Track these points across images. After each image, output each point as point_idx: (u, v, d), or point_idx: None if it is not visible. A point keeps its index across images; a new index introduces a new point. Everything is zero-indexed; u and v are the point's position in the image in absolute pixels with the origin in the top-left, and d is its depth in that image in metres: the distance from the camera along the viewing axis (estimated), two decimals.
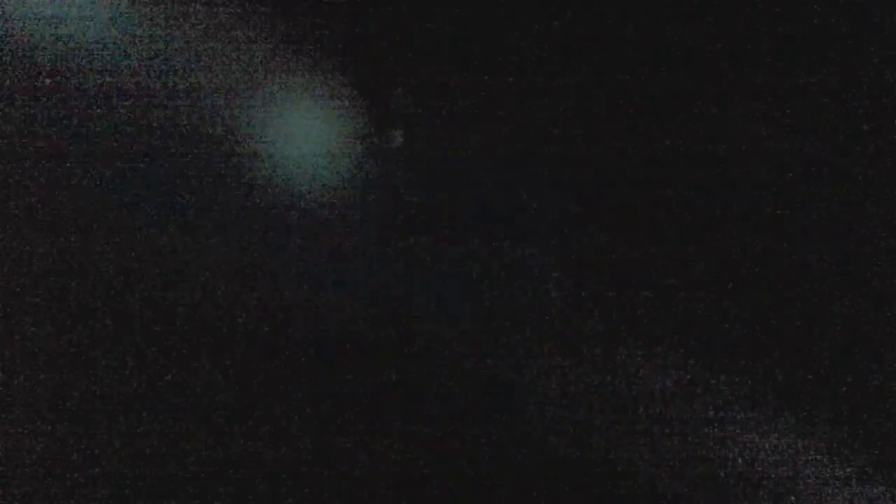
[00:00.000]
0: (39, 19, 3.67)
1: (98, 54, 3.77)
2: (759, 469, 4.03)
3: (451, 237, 4.32)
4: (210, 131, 3.98)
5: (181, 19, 3.83)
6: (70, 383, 3.78)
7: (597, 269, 4.20)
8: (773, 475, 4.02)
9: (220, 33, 3.92)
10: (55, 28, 3.69)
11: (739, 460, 4.05)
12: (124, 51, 3.79)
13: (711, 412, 4.11)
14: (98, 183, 3.83)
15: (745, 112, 3.90)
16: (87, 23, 3.71)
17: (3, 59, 3.65)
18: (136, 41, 3.79)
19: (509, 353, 4.27)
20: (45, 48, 3.69)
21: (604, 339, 4.22)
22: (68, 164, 3.78)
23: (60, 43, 3.71)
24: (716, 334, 4.07)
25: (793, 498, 3.90)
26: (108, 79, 3.79)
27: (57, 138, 3.76)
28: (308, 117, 4.12)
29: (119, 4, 3.74)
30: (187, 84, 3.90)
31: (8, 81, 3.66)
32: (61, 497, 3.72)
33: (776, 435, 4.02)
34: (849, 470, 3.87)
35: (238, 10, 3.92)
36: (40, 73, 3.69)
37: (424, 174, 4.35)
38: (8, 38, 3.64)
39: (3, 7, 3.59)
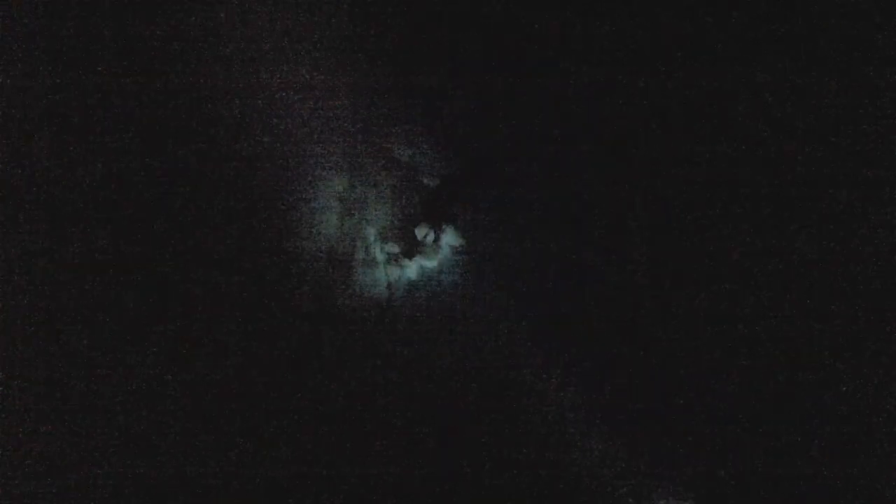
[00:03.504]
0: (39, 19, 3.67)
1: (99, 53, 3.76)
2: (759, 469, 4.03)
3: (451, 237, 4.31)
4: (210, 131, 3.97)
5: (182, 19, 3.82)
6: (70, 383, 3.77)
7: (597, 269, 4.19)
8: (772, 475, 4.01)
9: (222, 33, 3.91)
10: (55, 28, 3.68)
11: (738, 460, 4.05)
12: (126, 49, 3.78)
13: (711, 412, 4.10)
14: (98, 183, 3.82)
15: (746, 112, 3.90)
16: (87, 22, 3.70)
17: (4, 58, 3.64)
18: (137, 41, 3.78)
19: (508, 353, 4.26)
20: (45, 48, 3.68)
21: (604, 338, 4.21)
22: (69, 164, 3.77)
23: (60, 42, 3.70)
24: (715, 334, 4.07)
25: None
26: (108, 78, 3.78)
27: (57, 138, 3.75)
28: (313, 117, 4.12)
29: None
30: (187, 84, 3.90)
31: (8, 81, 3.65)
32: (61, 497, 3.72)
33: (776, 435, 4.01)
34: (849, 470, 3.86)
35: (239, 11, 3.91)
36: (40, 73, 3.69)
37: (423, 173, 4.35)
38: (8, 38, 3.63)
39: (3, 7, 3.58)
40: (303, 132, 4.09)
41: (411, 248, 4.21)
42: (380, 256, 4.24)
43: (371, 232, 4.25)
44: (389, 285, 4.25)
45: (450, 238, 4.26)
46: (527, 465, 4.17)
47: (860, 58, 3.71)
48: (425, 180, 4.27)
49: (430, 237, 4.18)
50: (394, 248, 4.25)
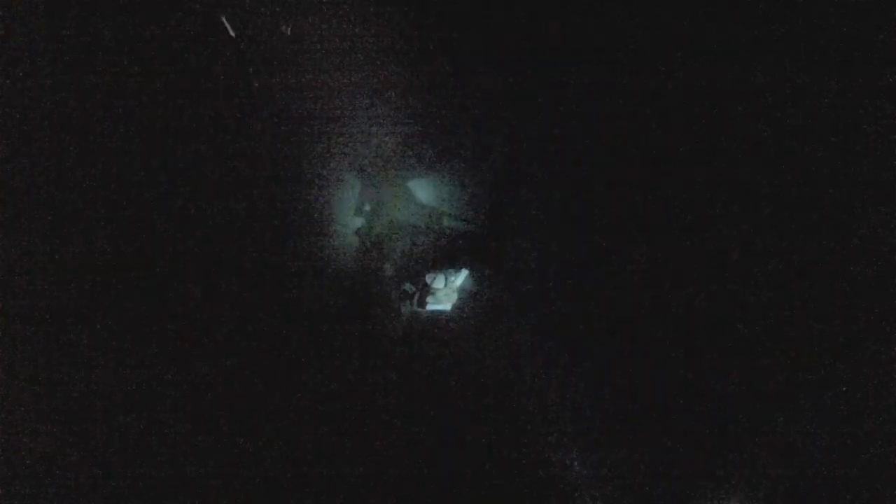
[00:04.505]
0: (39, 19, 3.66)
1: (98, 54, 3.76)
2: (759, 469, 4.03)
3: (453, 237, 4.31)
4: (210, 131, 3.97)
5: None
6: (70, 383, 3.77)
7: (597, 269, 4.19)
8: (772, 475, 4.01)
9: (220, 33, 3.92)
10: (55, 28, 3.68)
11: (738, 460, 4.05)
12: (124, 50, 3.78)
13: (711, 412, 4.10)
14: (98, 183, 3.82)
15: (745, 112, 3.90)
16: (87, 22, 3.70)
17: (3, 58, 3.64)
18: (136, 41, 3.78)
19: (508, 353, 4.26)
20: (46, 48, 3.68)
21: (604, 338, 4.21)
22: (69, 164, 3.77)
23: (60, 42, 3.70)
24: (715, 334, 4.07)
25: None
26: (107, 78, 3.78)
27: (57, 138, 3.75)
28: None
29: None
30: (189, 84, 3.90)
31: (8, 81, 3.65)
32: (61, 497, 3.72)
33: (776, 435, 4.01)
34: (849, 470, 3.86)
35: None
36: (40, 73, 3.69)
37: (426, 170, 4.35)
38: (8, 38, 3.63)
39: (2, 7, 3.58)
40: (304, 133, 4.09)
41: (424, 293, 4.09)
42: (393, 294, 4.18)
43: (385, 264, 4.17)
44: (402, 323, 4.16)
45: (465, 283, 4.18)
46: (527, 466, 4.17)
47: (860, 58, 3.71)
48: (444, 217, 4.18)
49: (443, 283, 4.07)
50: (410, 288, 4.15)
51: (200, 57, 3.87)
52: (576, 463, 4.18)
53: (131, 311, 3.85)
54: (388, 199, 4.17)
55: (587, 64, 3.98)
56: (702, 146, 3.97)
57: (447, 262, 4.16)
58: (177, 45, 3.82)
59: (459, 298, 4.19)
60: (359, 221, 4.18)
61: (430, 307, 4.13)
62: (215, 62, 3.90)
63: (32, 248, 3.72)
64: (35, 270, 3.71)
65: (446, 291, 4.11)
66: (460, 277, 4.16)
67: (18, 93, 3.66)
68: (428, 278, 4.08)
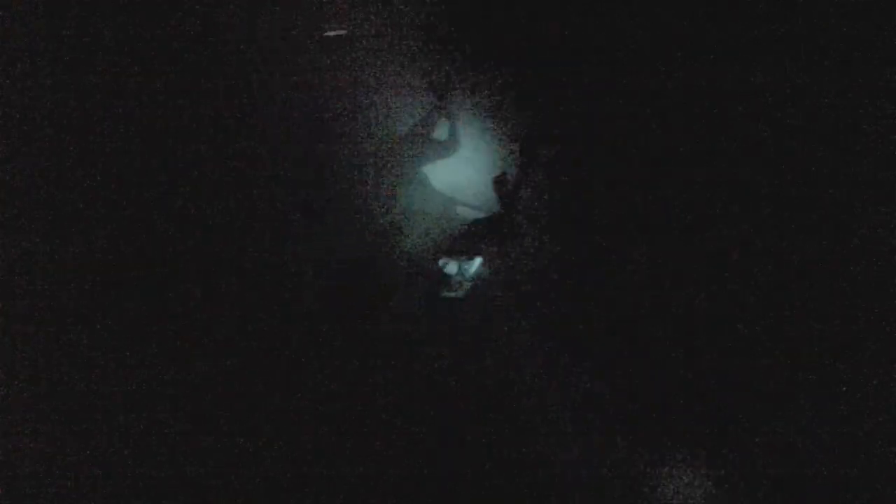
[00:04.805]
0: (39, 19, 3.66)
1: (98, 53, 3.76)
2: (759, 469, 4.03)
3: (453, 239, 4.31)
4: (210, 131, 3.97)
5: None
6: (70, 383, 3.77)
7: (597, 269, 4.19)
8: (772, 475, 4.01)
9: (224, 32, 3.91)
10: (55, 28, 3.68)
11: (737, 460, 4.05)
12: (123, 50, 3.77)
13: (711, 412, 4.10)
14: (98, 183, 3.82)
15: (746, 112, 3.90)
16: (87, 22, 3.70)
17: (3, 58, 3.64)
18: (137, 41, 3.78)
19: (508, 353, 4.26)
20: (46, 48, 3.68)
21: (604, 338, 4.21)
22: (68, 164, 3.77)
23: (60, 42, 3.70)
24: (715, 334, 4.06)
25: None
26: (107, 78, 3.78)
27: (57, 138, 3.75)
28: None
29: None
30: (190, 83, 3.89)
31: (8, 81, 3.65)
32: (61, 497, 3.72)
33: (776, 435, 4.01)
34: (848, 470, 3.86)
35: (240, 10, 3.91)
36: (40, 73, 3.69)
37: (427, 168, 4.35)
38: (8, 38, 3.64)
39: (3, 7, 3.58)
40: (304, 133, 4.09)
41: (438, 282, 4.06)
42: (401, 288, 4.16)
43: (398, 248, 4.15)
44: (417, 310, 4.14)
45: (478, 270, 4.15)
46: (527, 466, 4.17)
47: (860, 58, 3.70)
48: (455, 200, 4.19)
49: (456, 270, 4.03)
50: (421, 280, 4.13)
51: (200, 57, 3.87)
52: (576, 463, 4.18)
53: (131, 311, 3.85)
54: (399, 189, 4.16)
55: (587, 64, 3.98)
56: (702, 146, 3.97)
57: (460, 250, 4.13)
58: (177, 45, 3.82)
59: (472, 286, 4.15)
60: (373, 208, 4.15)
61: (443, 295, 4.11)
62: (215, 62, 3.90)
63: (32, 248, 3.72)
64: (35, 270, 3.71)
65: (458, 279, 4.09)
66: (474, 265, 4.14)
67: (18, 93, 3.66)
68: (441, 262, 4.06)
